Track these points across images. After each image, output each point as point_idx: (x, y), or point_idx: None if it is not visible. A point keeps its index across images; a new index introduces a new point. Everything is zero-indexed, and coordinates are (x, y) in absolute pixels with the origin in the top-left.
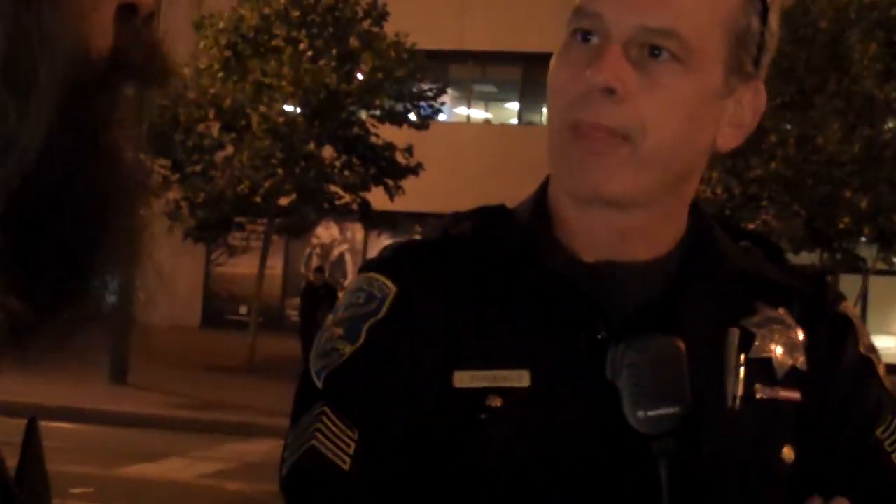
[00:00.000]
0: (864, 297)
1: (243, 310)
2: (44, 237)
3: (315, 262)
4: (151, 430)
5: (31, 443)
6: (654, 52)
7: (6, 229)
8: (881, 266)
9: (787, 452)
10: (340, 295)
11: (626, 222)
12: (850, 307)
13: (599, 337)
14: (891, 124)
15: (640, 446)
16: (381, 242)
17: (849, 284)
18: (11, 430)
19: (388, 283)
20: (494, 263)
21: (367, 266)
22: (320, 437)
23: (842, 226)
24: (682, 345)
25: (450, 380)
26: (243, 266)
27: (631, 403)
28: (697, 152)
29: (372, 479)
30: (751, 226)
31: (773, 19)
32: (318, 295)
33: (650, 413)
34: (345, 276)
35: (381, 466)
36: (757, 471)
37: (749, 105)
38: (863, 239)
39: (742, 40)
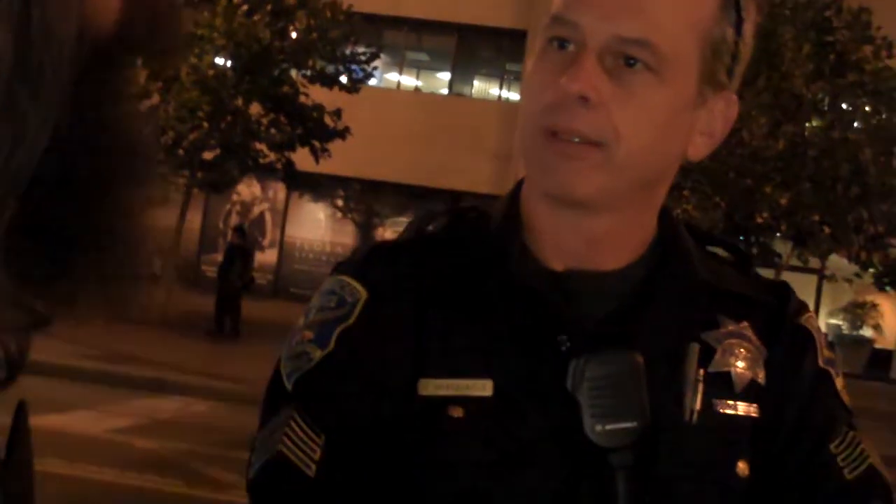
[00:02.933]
0: None
1: (157, 263)
2: (48, 214)
3: (234, 220)
4: (60, 380)
5: (20, 426)
6: (629, 61)
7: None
8: (795, 262)
9: (743, 467)
10: (256, 255)
11: (594, 227)
12: (812, 319)
13: (563, 349)
14: (815, 123)
15: (599, 459)
16: (303, 204)
17: None
18: None
19: (359, 287)
20: (464, 268)
21: (340, 268)
22: (287, 441)
23: (760, 220)
24: (640, 359)
25: (415, 387)
26: (162, 217)
27: (590, 417)
28: (668, 160)
29: (336, 487)
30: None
31: (748, 29)
32: (233, 255)
33: (608, 427)
34: (263, 235)
35: (345, 474)
36: (713, 484)
37: (721, 115)
38: (779, 235)
39: (716, 51)
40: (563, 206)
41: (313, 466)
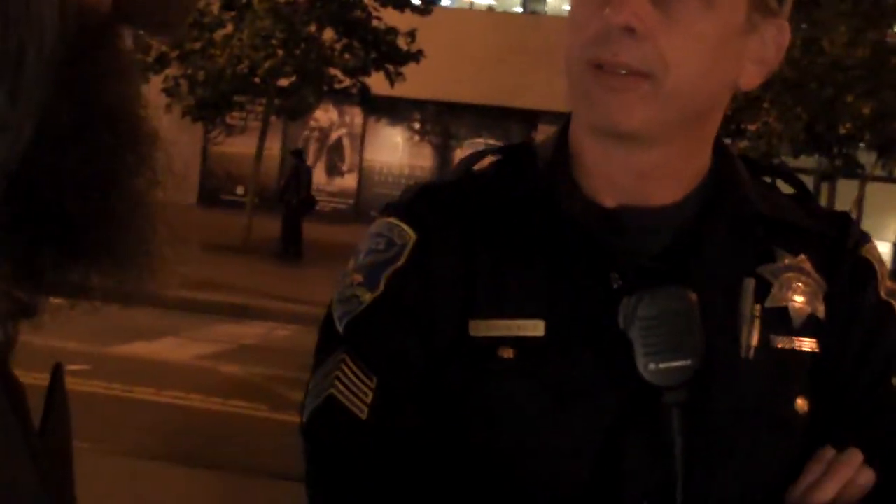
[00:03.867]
0: (860, 203)
1: (240, 190)
2: (48, 199)
3: (313, 145)
4: (146, 308)
5: (56, 390)
6: None
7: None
8: (879, 172)
9: (801, 403)
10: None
11: (646, 160)
12: (874, 250)
13: (615, 287)
14: None
15: (653, 397)
16: (380, 128)
17: (846, 190)
18: None
19: (408, 229)
20: (514, 207)
21: (388, 209)
22: (339, 385)
23: (843, 131)
24: (694, 296)
25: (466, 329)
26: (241, 146)
27: (643, 355)
28: (719, 90)
29: (388, 429)
30: (752, 127)
31: None
32: (290, 177)
33: (661, 365)
34: (342, 160)
35: (397, 416)
36: (770, 421)
37: (772, 42)
38: (862, 145)
39: None
40: (612, 139)
41: (365, 409)
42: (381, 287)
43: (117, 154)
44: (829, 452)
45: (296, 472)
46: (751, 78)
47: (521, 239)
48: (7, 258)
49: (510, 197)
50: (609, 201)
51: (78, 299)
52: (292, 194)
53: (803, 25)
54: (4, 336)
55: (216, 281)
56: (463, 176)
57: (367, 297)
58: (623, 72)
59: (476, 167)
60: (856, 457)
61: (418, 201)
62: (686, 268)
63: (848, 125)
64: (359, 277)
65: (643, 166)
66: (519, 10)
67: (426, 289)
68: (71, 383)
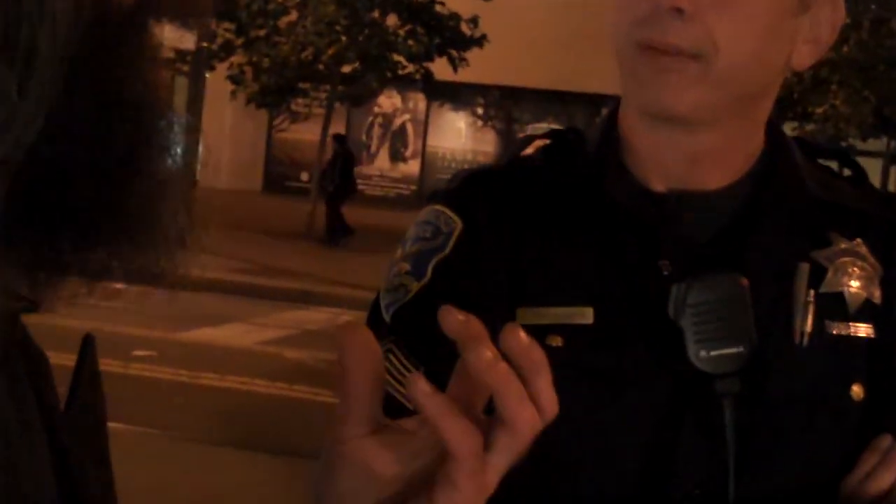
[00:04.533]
0: None
1: (304, 176)
2: (62, 189)
3: (377, 130)
4: (212, 294)
5: (86, 363)
6: None
7: (21, 193)
8: None
9: (857, 390)
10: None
11: (697, 144)
12: None
13: (665, 273)
14: None
15: (704, 386)
16: (444, 113)
17: None
18: (76, 291)
19: (455, 217)
20: (561, 193)
21: (435, 196)
22: (387, 375)
23: None
24: (745, 282)
25: (514, 317)
26: (305, 132)
27: (694, 343)
28: (771, 71)
29: None
30: (819, 110)
31: None
32: (333, 163)
33: (713, 353)
34: (405, 146)
35: None
36: (825, 409)
37: (826, 20)
38: None
39: None
40: (662, 122)
41: None
42: (429, 276)
43: (137, 145)
44: (886, 441)
45: None
46: (804, 58)
47: (570, 225)
48: (25, 245)
49: (558, 182)
50: (659, 186)
51: (101, 281)
52: (328, 181)
53: (872, 6)
54: (3, 335)
55: (280, 267)
56: (511, 162)
57: (415, 285)
58: (671, 52)
59: (524, 153)
60: None
61: (465, 188)
62: (738, 253)
63: None
64: (406, 266)
65: (694, 150)
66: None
67: (473, 277)
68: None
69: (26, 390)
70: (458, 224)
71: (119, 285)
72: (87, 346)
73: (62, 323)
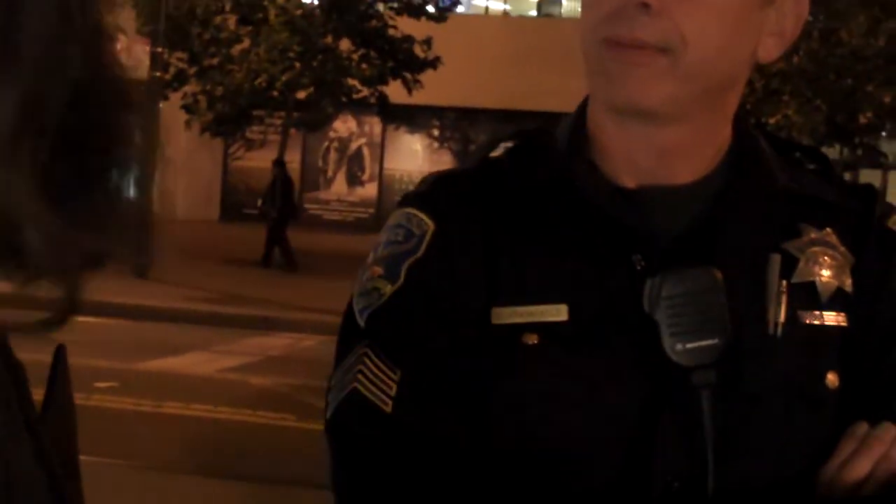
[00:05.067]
0: (883, 192)
1: (260, 203)
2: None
3: (333, 155)
4: (173, 323)
5: (60, 371)
6: None
7: None
8: None
9: (832, 378)
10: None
11: (666, 138)
12: None
13: (638, 268)
14: None
15: (681, 379)
16: (400, 136)
17: (869, 179)
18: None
19: (426, 219)
20: (532, 191)
21: (406, 200)
22: (362, 378)
23: (863, 120)
24: (719, 275)
25: (488, 317)
26: (261, 160)
27: (669, 336)
28: (738, 63)
29: (413, 422)
30: (772, 120)
31: None
32: (272, 188)
33: (689, 345)
34: (362, 170)
35: (422, 409)
36: (801, 398)
37: (791, 13)
38: (884, 134)
39: None
40: (631, 117)
41: (389, 402)
42: (402, 278)
43: (115, 117)
44: (862, 428)
45: (326, 480)
46: (770, 51)
47: (541, 223)
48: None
49: (528, 182)
50: (629, 182)
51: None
52: (269, 206)
53: (821, 17)
54: (73, 289)
55: (241, 294)
56: (479, 163)
57: (388, 288)
58: (638, 47)
59: (493, 154)
60: (889, 431)
61: (435, 190)
62: (709, 246)
63: (868, 115)
64: (379, 270)
65: (663, 144)
66: (534, 13)
67: (447, 278)
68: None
69: (9, 394)
70: (431, 226)
71: (79, 318)
72: (60, 356)
73: (24, 358)
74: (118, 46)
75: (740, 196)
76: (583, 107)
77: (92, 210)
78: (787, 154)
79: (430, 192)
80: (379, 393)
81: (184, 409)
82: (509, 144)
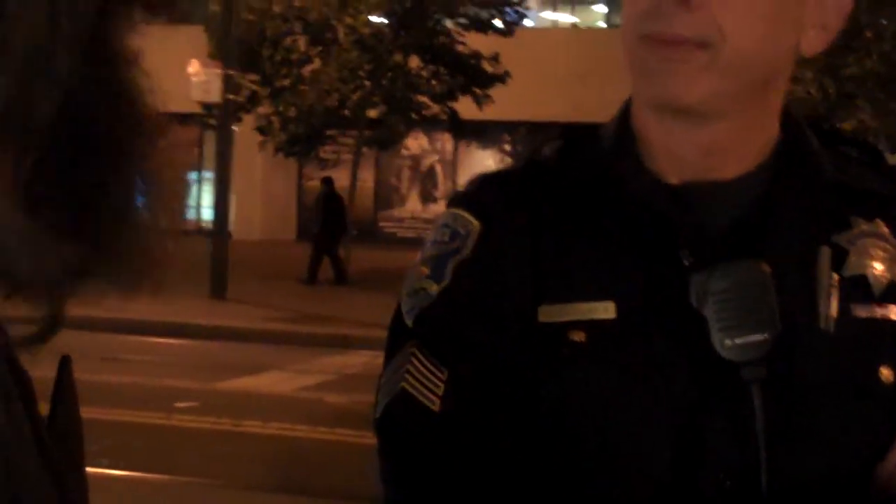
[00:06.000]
0: None
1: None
2: (66, 168)
3: (406, 173)
4: (251, 343)
5: (64, 383)
6: None
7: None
8: None
9: (887, 373)
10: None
11: (710, 136)
12: None
13: (686, 263)
14: None
15: (731, 374)
16: (472, 152)
17: None
18: (117, 347)
19: (472, 219)
20: (578, 190)
21: (453, 201)
22: (410, 378)
23: None
24: (768, 269)
25: (535, 315)
26: (336, 179)
27: (718, 332)
28: (780, 57)
29: (461, 421)
30: (846, 125)
31: None
32: (319, 205)
33: (738, 341)
34: (435, 187)
35: (470, 407)
36: (854, 393)
37: (833, 5)
38: None
39: None
40: (673, 115)
41: (437, 401)
42: (448, 278)
43: (129, 134)
44: None
45: (375, 480)
46: (813, 43)
47: (588, 221)
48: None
49: (574, 180)
50: (674, 179)
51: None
52: (314, 223)
53: (893, 20)
54: (58, 300)
55: (317, 313)
56: (526, 163)
57: (435, 288)
58: (677, 43)
59: (539, 155)
60: None
61: (481, 190)
62: (757, 240)
63: None
64: (425, 270)
65: (707, 142)
66: (602, 24)
67: (493, 277)
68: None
69: (16, 401)
70: (476, 226)
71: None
72: (65, 366)
73: (106, 379)
74: (187, 71)
75: (788, 190)
76: (628, 105)
77: (77, 222)
78: (835, 146)
79: (476, 192)
80: (427, 392)
81: (262, 428)
82: (555, 145)
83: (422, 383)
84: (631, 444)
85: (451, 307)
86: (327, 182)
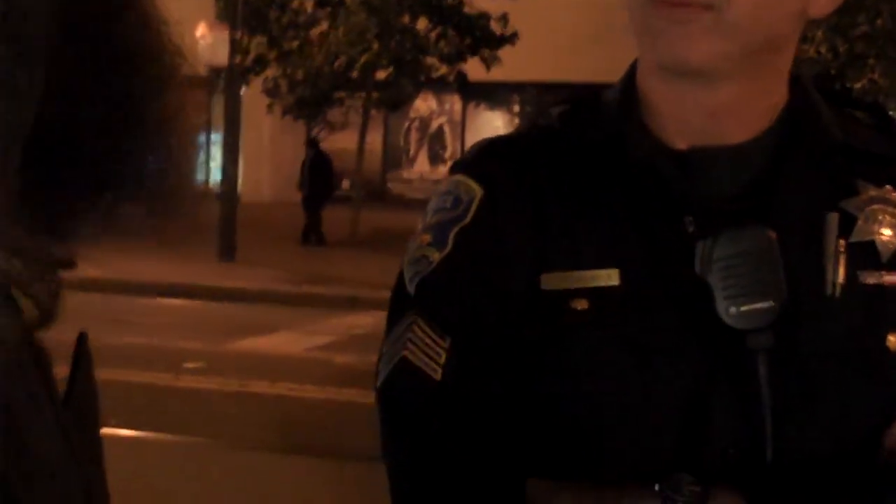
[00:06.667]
0: None
1: (345, 184)
2: (69, 142)
3: (414, 135)
4: (260, 304)
5: (82, 358)
6: None
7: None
8: None
9: (894, 340)
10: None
11: (716, 98)
12: None
13: (690, 230)
14: None
15: (736, 342)
16: (480, 113)
17: None
18: (126, 308)
19: (474, 185)
20: (581, 155)
21: (455, 167)
22: (412, 346)
23: None
24: (773, 235)
25: (538, 283)
26: (344, 141)
27: (723, 299)
28: (786, 18)
29: (463, 389)
30: (857, 85)
31: None
32: (305, 167)
33: (743, 308)
34: (444, 148)
35: (472, 375)
36: (861, 360)
37: None
38: None
39: None
40: (680, 77)
41: (439, 370)
42: (450, 245)
43: (135, 89)
44: None
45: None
46: (820, 5)
47: (591, 187)
48: (42, 212)
49: (578, 145)
50: (680, 143)
51: (108, 224)
52: (303, 186)
53: None
54: (48, 295)
55: (326, 274)
56: (530, 128)
57: (436, 256)
58: (682, 2)
59: (543, 119)
60: None
61: (484, 156)
62: (763, 206)
63: None
64: (427, 237)
65: (713, 104)
66: None
67: (494, 244)
68: (188, 381)
69: (34, 377)
70: (478, 192)
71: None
72: (82, 343)
73: (117, 341)
74: (195, 34)
75: (796, 155)
76: (632, 70)
77: (64, 219)
78: (844, 109)
79: (479, 157)
80: (428, 360)
81: (271, 388)
82: (559, 109)
83: (424, 352)
84: (635, 413)
85: (452, 274)
86: (313, 144)
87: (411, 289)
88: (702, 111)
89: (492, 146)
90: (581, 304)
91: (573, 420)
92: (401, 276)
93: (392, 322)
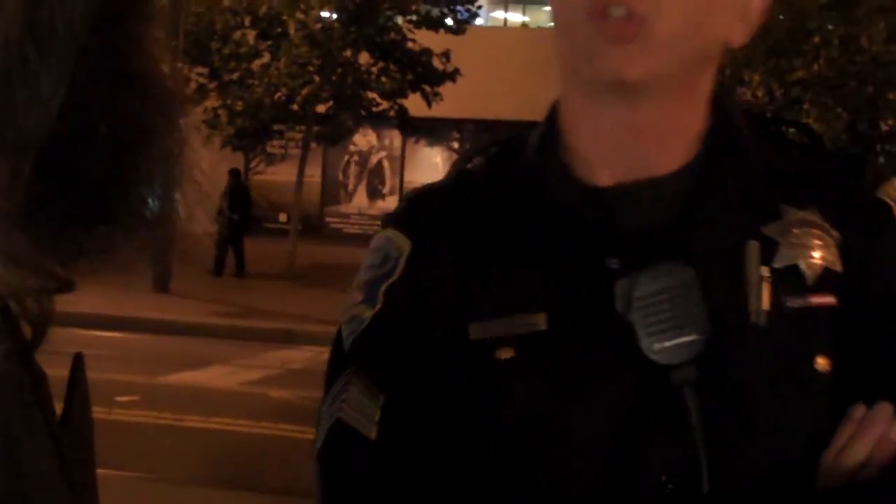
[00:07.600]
0: None
1: (283, 217)
2: (78, 164)
3: (353, 169)
4: (194, 337)
5: (78, 380)
6: None
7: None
8: None
9: (823, 362)
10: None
11: (641, 118)
12: (893, 189)
13: (614, 269)
14: None
15: (663, 378)
16: (419, 149)
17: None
18: (58, 340)
19: (403, 239)
20: (505, 201)
21: (386, 220)
22: (346, 407)
23: (885, 128)
24: (690, 269)
25: (466, 333)
26: (282, 174)
27: (646, 336)
28: (710, 40)
29: (398, 448)
30: (792, 129)
31: None
32: (226, 196)
33: (667, 344)
34: (383, 183)
35: (406, 431)
36: (790, 385)
37: (756, 2)
38: None
39: None
40: (608, 95)
41: (374, 428)
42: (380, 302)
43: (147, 117)
44: (860, 410)
45: None
46: (738, 36)
47: (515, 233)
48: (45, 230)
49: (501, 191)
50: (605, 179)
51: (103, 260)
52: (223, 216)
53: (841, 24)
54: (41, 311)
55: (262, 307)
56: (457, 175)
57: (368, 313)
58: (622, 13)
59: (469, 165)
60: (885, 411)
61: (411, 209)
62: (682, 239)
63: (890, 122)
64: (359, 295)
65: (638, 125)
66: (552, 24)
67: (422, 297)
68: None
69: (30, 397)
70: (406, 247)
71: (100, 332)
72: (78, 364)
73: (50, 373)
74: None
75: (716, 184)
76: (553, 112)
77: (65, 237)
78: (773, 128)
79: (407, 211)
80: (363, 419)
81: (204, 423)
82: (485, 154)
83: (359, 411)
84: (569, 456)
85: (383, 331)
86: (234, 174)
87: (346, 347)
88: (626, 134)
89: (419, 198)
90: (506, 353)
91: (510, 466)
92: (339, 334)
93: (329, 381)
